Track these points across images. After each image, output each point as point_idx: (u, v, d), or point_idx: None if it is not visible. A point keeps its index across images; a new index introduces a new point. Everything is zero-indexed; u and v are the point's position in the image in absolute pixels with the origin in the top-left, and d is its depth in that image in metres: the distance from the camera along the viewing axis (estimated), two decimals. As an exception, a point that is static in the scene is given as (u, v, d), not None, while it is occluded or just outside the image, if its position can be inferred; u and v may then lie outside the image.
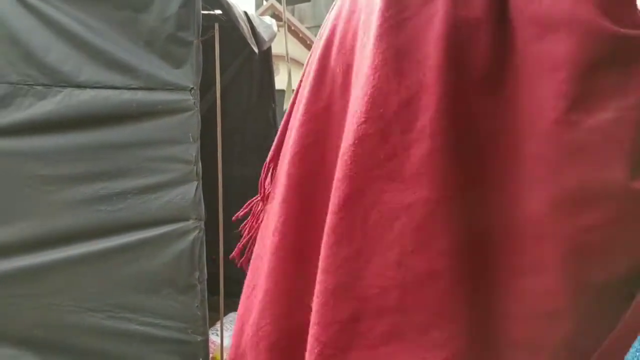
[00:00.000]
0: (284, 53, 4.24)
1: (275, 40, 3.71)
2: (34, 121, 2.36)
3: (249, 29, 2.81)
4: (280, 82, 5.44)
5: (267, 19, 3.40)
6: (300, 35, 14.53)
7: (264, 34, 3.11)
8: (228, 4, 2.52)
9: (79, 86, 2.35)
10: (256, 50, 2.85)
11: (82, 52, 2.35)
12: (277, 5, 13.47)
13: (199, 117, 2.27)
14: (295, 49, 13.92)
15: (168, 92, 2.28)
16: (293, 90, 4.61)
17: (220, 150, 2.46)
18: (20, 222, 2.33)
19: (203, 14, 2.35)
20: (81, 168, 2.33)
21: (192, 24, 2.26)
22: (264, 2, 16.73)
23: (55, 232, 2.33)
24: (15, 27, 2.39)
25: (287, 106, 4.86)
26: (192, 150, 2.26)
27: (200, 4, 2.27)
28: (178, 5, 2.25)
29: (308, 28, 15.10)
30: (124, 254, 2.30)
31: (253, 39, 2.83)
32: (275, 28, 3.41)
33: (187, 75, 2.27)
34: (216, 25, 2.39)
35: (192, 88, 2.26)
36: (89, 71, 2.34)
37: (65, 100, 2.35)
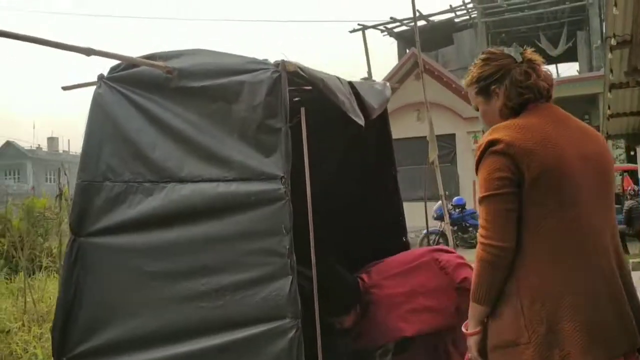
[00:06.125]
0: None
1: (418, 88, 3.48)
2: (142, 217, 2.41)
3: (353, 101, 2.65)
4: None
5: (379, 84, 3.21)
6: (445, 79, 14.16)
7: (374, 101, 2.92)
8: (323, 81, 2.39)
9: (181, 181, 2.36)
10: (361, 123, 2.67)
11: (183, 147, 2.38)
12: (417, 52, 13.34)
13: (291, 207, 2.14)
14: (440, 93, 13.56)
15: (260, 182, 2.19)
16: (435, 138, 4.27)
17: (312, 237, 2.27)
18: (130, 319, 2.36)
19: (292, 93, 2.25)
20: (183, 263, 2.31)
21: (280, 111, 2.17)
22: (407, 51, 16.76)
23: (163, 329, 2.31)
24: (126, 127, 2.51)
25: (432, 157, 4.56)
26: (286, 242, 2.12)
27: (287, 89, 2.17)
28: (265, 93, 2.18)
29: (452, 71, 14.68)
30: (225, 354, 2.20)
31: (357, 111, 2.65)
32: (388, 92, 3.20)
33: (277, 164, 2.16)
34: (302, 110, 2.26)
35: (283, 177, 2.14)
36: (190, 165, 2.35)
37: (168, 195, 2.37)
